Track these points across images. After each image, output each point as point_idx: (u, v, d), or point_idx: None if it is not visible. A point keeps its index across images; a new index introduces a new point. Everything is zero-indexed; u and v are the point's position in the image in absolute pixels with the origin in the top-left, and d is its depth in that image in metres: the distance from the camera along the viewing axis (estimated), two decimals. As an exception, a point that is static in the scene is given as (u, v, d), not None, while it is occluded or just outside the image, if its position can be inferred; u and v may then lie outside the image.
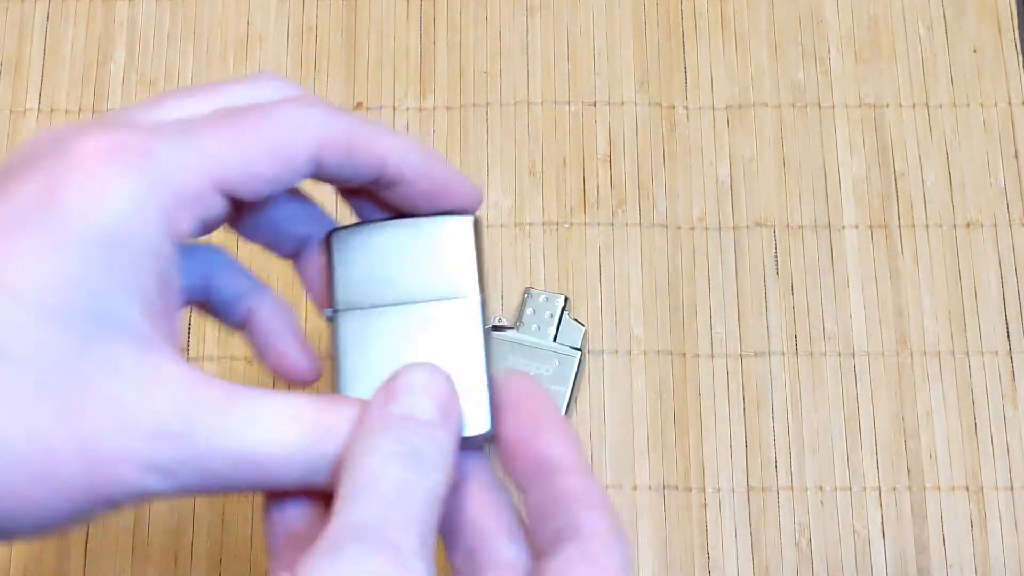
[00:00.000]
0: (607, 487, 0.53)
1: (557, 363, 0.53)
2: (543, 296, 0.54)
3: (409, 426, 0.30)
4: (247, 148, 0.30)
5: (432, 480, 0.29)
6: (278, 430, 0.29)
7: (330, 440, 0.29)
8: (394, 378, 0.31)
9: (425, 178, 0.33)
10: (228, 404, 0.29)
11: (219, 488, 0.29)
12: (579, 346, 0.53)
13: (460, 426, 0.31)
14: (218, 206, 0.31)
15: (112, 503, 0.28)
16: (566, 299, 0.54)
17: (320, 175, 0.33)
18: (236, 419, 0.29)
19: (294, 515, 0.31)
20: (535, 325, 0.54)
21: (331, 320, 0.34)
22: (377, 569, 0.26)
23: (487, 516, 0.31)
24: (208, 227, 0.32)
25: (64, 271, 0.28)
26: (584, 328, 0.54)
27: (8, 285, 0.27)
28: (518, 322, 0.54)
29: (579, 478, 0.30)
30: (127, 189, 0.28)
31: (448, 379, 0.31)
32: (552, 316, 0.54)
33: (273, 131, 0.31)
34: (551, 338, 0.53)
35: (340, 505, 0.28)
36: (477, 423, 0.32)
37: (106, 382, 0.28)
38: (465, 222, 0.34)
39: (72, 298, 0.28)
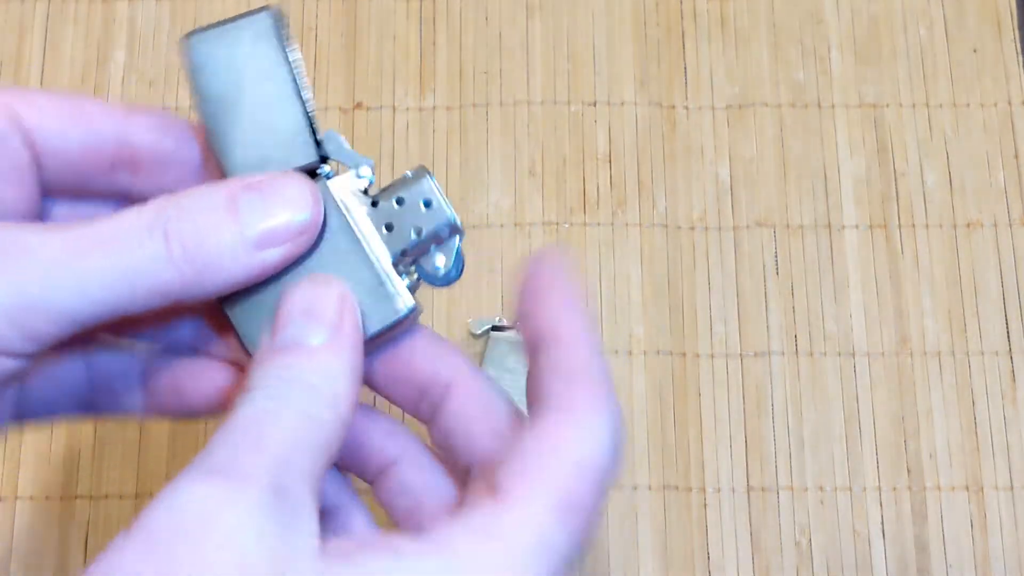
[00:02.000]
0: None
1: None
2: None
3: (287, 355, 0.28)
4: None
5: (302, 407, 0.27)
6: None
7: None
8: (280, 304, 0.30)
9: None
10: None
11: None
12: None
13: (355, 330, 0.29)
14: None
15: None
16: None
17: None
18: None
19: None
20: None
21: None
22: (204, 493, 0.25)
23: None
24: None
25: None
26: None
27: None
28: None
29: (576, 351, 0.29)
30: None
31: (337, 291, 0.29)
32: None
33: None
34: None
35: (221, 431, 0.27)
36: (383, 313, 0.30)
37: None
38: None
39: None
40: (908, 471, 0.53)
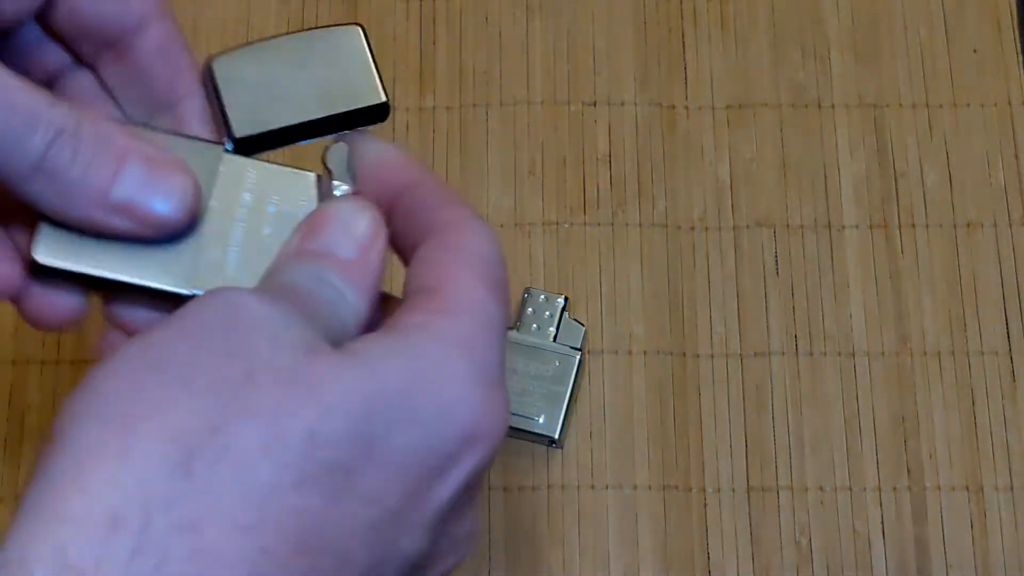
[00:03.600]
0: (607, 487, 0.53)
1: (557, 363, 0.53)
2: (543, 296, 0.54)
3: (322, 259, 0.31)
4: None
5: (336, 305, 0.30)
6: None
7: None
8: (319, 212, 0.32)
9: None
10: None
11: None
12: (579, 346, 0.53)
13: (381, 257, 0.32)
14: None
15: None
16: (566, 299, 0.54)
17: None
18: None
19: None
20: (535, 325, 0.54)
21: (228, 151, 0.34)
22: (244, 299, 0.28)
23: None
24: None
25: None
26: (584, 328, 0.54)
27: None
28: (517, 322, 0.54)
29: (431, 187, 0.32)
30: None
31: (369, 212, 0.32)
32: (552, 316, 0.54)
33: None
34: (551, 338, 0.53)
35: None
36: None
37: None
38: (354, 31, 0.35)
39: None
40: (908, 471, 0.53)
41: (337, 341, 0.29)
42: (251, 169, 0.34)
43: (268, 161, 0.34)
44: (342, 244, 0.31)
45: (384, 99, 0.34)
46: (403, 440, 0.28)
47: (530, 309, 0.54)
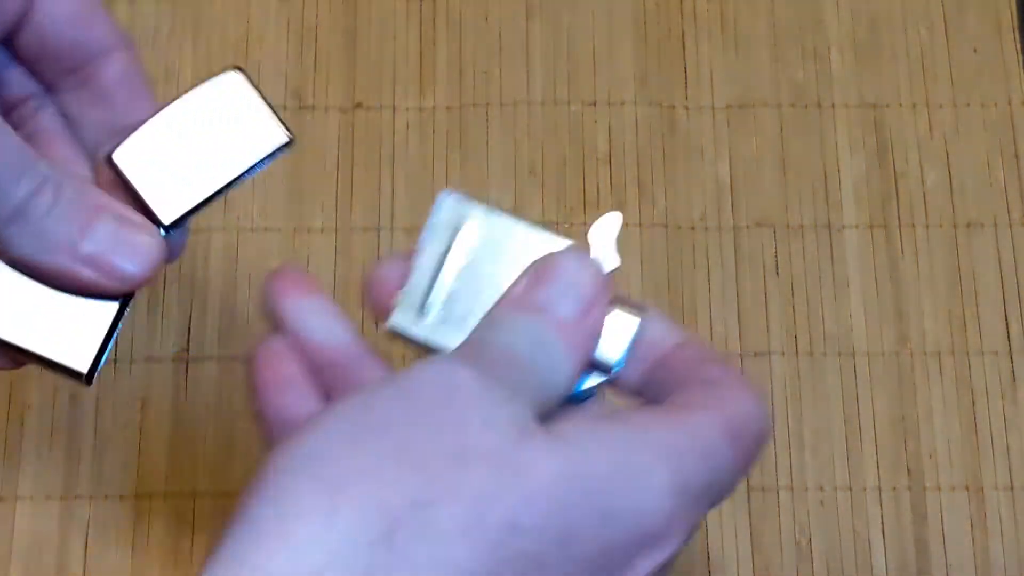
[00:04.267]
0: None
1: None
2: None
3: (540, 316, 0.31)
4: None
5: (551, 370, 0.30)
6: None
7: None
8: (545, 260, 0.31)
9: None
10: None
11: None
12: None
13: (602, 315, 0.31)
14: None
15: None
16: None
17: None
18: None
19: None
20: None
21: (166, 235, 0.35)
22: (464, 374, 0.29)
23: None
24: None
25: None
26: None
27: None
28: None
29: (697, 347, 0.32)
30: None
31: (595, 269, 0.31)
32: None
33: None
34: None
35: (463, 350, 0.30)
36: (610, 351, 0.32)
37: None
38: (234, 77, 0.35)
39: None
40: (908, 471, 0.53)
41: (545, 406, 0.29)
42: (511, 230, 0.33)
43: (527, 222, 0.33)
44: (565, 301, 0.31)
45: (288, 138, 0.35)
46: (596, 533, 0.28)
47: None
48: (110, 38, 0.36)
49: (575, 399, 0.32)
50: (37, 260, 0.32)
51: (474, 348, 0.31)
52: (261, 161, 0.36)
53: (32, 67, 0.36)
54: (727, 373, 0.31)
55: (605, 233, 0.33)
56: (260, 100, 0.35)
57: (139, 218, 0.33)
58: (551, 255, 0.32)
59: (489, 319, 0.31)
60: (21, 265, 0.32)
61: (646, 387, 0.32)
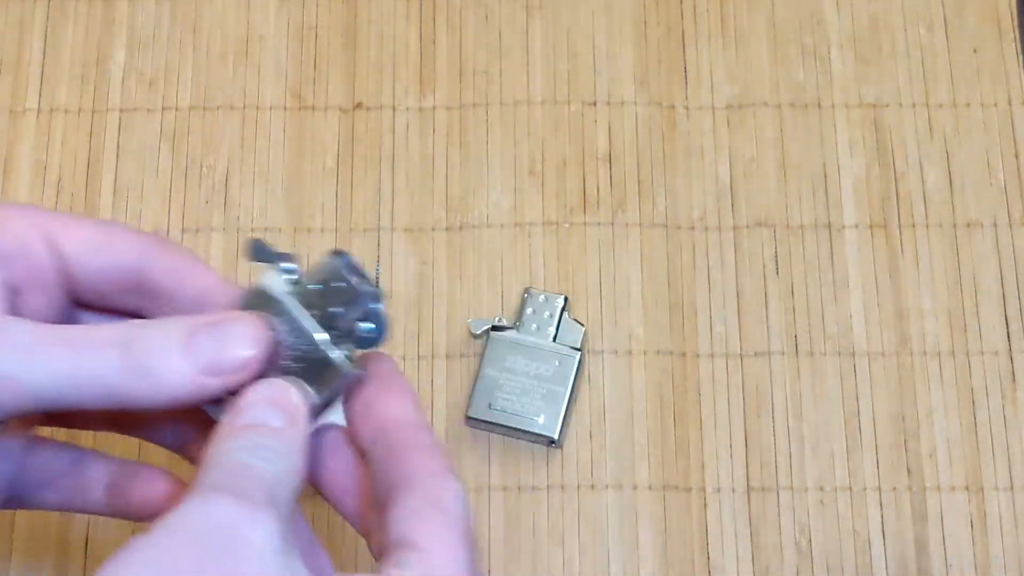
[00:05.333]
0: (607, 487, 0.53)
1: (557, 363, 0.53)
2: (543, 296, 0.54)
3: (254, 430, 0.33)
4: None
5: (276, 466, 0.32)
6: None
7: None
8: (243, 394, 0.34)
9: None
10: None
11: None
12: (579, 346, 0.53)
13: (305, 425, 0.34)
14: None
15: None
16: (566, 299, 0.54)
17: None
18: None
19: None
20: (535, 325, 0.54)
21: None
22: (222, 511, 0.29)
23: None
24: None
25: None
26: (584, 328, 0.54)
27: None
28: (518, 322, 0.54)
29: (410, 430, 0.34)
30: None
31: (289, 390, 0.34)
32: (552, 316, 0.54)
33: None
34: (551, 338, 0.53)
35: (196, 479, 0.31)
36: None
37: None
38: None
39: None
40: (908, 471, 0.53)
41: (284, 503, 0.31)
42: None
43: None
44: (273, 416, 0.33)
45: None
46: None
47: (530, 309, 0.54)
48: (141, 247, 0.37)
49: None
50: (176, 399, 0.34)
51: (212, 473, 0.32)
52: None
53: (106, 308, 0.38)
54: (439, 465, 0.34)
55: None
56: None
57: (224, 314, 0.35)
58: (247, 390, 0.34)
59: (213, 453, 0.33)
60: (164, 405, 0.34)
61: (372, 461, 0.34)
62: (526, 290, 0.54)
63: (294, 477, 0.33)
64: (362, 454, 0.35)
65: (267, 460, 0.32)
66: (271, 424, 0.33)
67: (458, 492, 0.33)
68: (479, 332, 0.54)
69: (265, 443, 0.32)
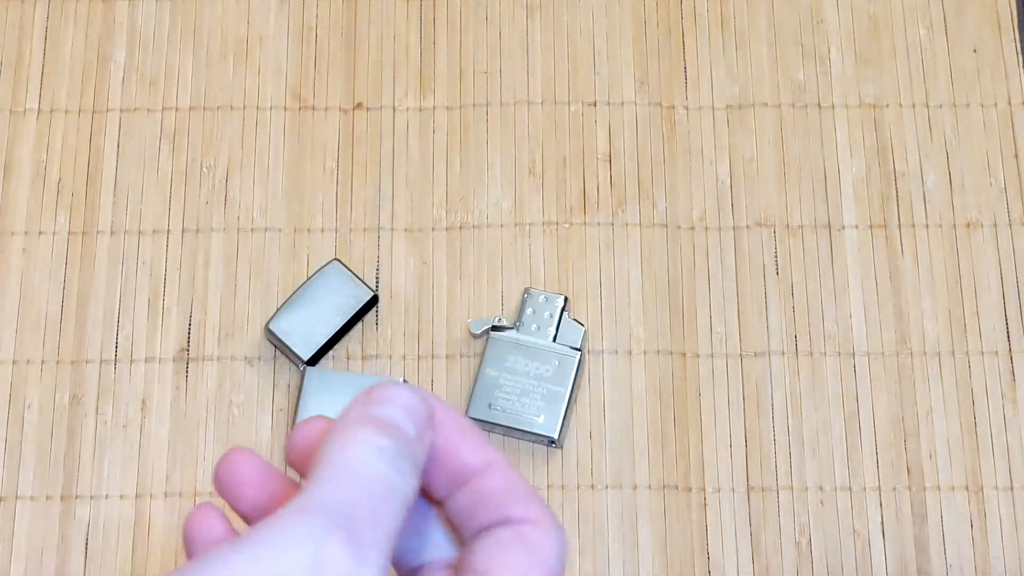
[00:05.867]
0: (607, 487, 0.53)
1: (557, 363, 0.53)
2: (543, 296, 0.54)
3: (391, 429, 0.29)
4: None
5: (406, 486, 0.29)
6: None
7: None
8: (375, 387, 0.31)
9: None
10: None
11: None
12: (579, 346, 0.53)
13: (428, 448, 0.31)
14: None
15: None
16: (565, 299, 0.54)
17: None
18: None
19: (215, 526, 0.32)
20: (535, 325, 0.54)
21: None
22: (331, 547, 0.26)
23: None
24: None
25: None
26: (584, 328, 0.54)
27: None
28: (517, 322, 0.54)
29: (503, 473, 0.31)
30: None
31: (425, 403, 0.31)
32: (552, 316, 0.54)
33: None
34: (551, 338, 0.53)
35: (310, 484, 0.28)
36: None
37: None
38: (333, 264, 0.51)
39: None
40: (908, 471, 0.53)
41: (395, 537, 0.29)
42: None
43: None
44: (402, 418, 0.30)
45: (372, 293, 0.53)
46: None
47: (530, 309, 0.54)
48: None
49: None
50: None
51: (347, 493, 0.28)
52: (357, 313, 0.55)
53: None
54: (536, 510, 0.31)
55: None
56: (350, 275, 0.55)
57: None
58: (378, 384, 0.31)
59: (326, 446, 0.29)
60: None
61: (453, 507, 0.32)
62: (526, 290, 0.54)
63: (409, 506, 0.29)
64: (433, 500, 0.32)
65: (399, 475, 0.28)
66: (407, 430, 0.30)
67: (559, 540, 0.30)
68: (479, 332, 0.54)
69: (401, 451, 0.29)
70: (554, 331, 0.53)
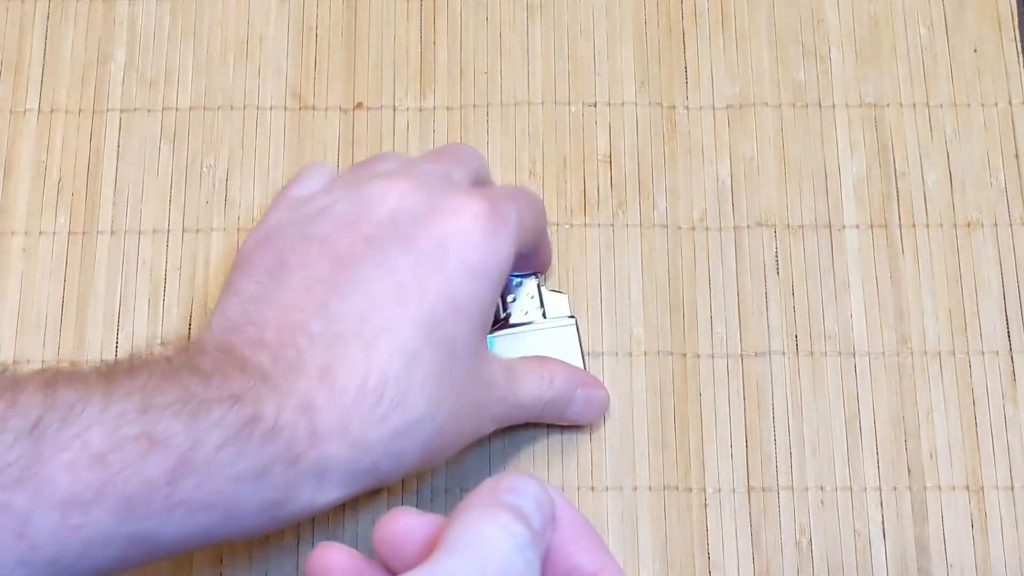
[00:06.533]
0: (607, 488, 0.53)
1: (559, 337, 0.53)
2: (514, 280, 0.54)
3: (523, 519, 0.30)
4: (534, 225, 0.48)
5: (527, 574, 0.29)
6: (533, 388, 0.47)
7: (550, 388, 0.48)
8: (506, 476, 0.32)
9: None
10: (512, 375, 0.47)
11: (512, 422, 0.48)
12: (570, 313, 0.54)
13: (545, 547, 0.31)
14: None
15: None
16: (536, 274, 0.54)
17: None
18: (519, 382, 0.47)
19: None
20: (522, 310, 0.54)
21: None
22: None
23: None
24: None
25: (482, 296, 0.43)
26: (566, 294, 0.54)
27: (457, 306, 0.42)
28: (505, 313, 0.54)
29: (581, 529, 0.34)
30: (508, 243, 0.45)
31: (551, 499, 0.32)
32: (532, 296, 0.54)
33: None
34: (542, 315, 0.54)
35: (439, 554, 0.29)
36: None
37: (487, 367, 0.45)
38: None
39: (486, 314, 0.44)
40: (908, 471, 0.53)
41: None
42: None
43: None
44: (531, 510, 0.31)
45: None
46: None
47: (510, 297, 0.54)
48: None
49: None
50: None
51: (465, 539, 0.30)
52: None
53: None
54: (609, 563, 0.33)
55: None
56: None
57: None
58: (509, 474, 0.33)
59: (459, 520, 0.31)
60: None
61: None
62: None
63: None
64: None
65: (526, 565, 0.30)
66: (534, 523, 0.31)
67: None
68: None
69: (531, 541, 0.30)
70: (540, 308, 0.54)
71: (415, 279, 0.42)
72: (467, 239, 0.43)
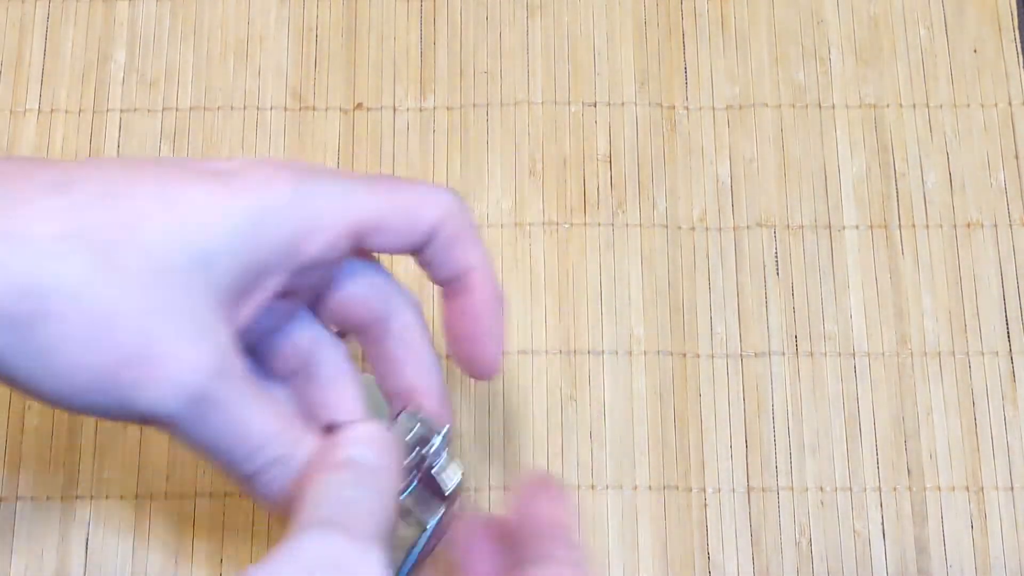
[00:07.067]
0: (607, 488, 0.53)
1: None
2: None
3: (355, 466, 0.35)
4: (389, 203, 0.39)
5: (380, 502, 0.35)
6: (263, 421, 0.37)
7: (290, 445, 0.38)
8: (341, 432, 0.37)
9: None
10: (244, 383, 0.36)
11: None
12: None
13: (398, 461, 0.37)
14: (340, 248, 0.38)
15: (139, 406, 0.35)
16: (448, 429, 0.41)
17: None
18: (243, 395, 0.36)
19: None
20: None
21: None
22: (336, 545, 0.32)
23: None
24: (321, 272, 0.39)
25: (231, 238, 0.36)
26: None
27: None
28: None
29: (554, 517, 0.38)
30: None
31: (383, 430, 0.37)
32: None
33: (412, 197, 0.39)
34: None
35: (298, 514, 0.34)
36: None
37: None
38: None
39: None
40: (908, 471, 0.53)
41: (387, 536, 0.34)
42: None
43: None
44: (371, 455, 0.36)
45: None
46: None
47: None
48: (398, 301, 0.42)
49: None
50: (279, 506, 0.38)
51: (335, 511, 0.34)
52: None
53: (327, 322, 0.41)
54: (571, 554, 0.37)
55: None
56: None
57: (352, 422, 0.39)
58: (346, 429, 0.37)
59: (316, 487, 0.35)
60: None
61: (516, 532, 0.38)
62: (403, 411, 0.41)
63: (392, 512, 0.35)
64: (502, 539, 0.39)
65: (371, 496, 0.35)
66: (370, 461, 0.36)
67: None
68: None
69: (367, 480, 0.35)
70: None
71: None
72: None
